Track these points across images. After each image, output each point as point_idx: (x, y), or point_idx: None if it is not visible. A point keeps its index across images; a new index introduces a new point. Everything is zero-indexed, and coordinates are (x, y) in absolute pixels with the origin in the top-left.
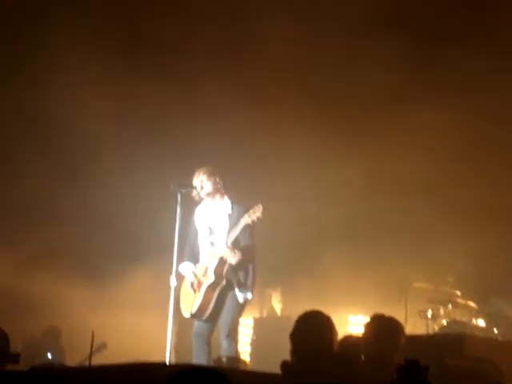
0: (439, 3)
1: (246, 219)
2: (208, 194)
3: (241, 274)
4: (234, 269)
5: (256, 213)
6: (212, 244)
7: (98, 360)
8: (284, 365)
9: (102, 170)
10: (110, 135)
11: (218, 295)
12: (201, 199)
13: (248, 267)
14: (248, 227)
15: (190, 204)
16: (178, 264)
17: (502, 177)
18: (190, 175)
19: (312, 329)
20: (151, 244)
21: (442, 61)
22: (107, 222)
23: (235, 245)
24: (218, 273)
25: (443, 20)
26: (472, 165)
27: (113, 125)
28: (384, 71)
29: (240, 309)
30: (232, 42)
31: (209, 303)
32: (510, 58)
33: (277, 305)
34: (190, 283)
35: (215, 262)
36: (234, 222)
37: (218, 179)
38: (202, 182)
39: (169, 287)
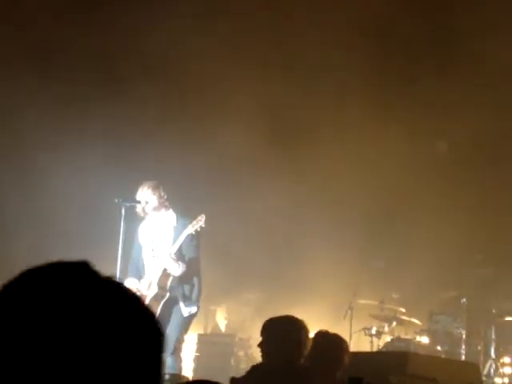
0: None
1: (189, 229)
2: (153, 209)
3: (185, 287)
4: (179, 282)
5: (199, 223)
6: (156, 258)
7: None
8: (232, 381)
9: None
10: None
11: (162, 309)
12: (145, 214)
13: (193, 280)
14: (192, 238)
15: (133, 219)
16: (121, 279)
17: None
18: (134, 190)
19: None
20: (94, 258)
21: None
22: (54, 229)
23: (179, 257)
24: (161, 285)
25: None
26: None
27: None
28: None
29: (185, 324)
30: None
31: None
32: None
33: (221, 321)
34: None
35: (159, 274)
36: (178, 234)
37: (162, 193)
38: (146, 196)
39: None
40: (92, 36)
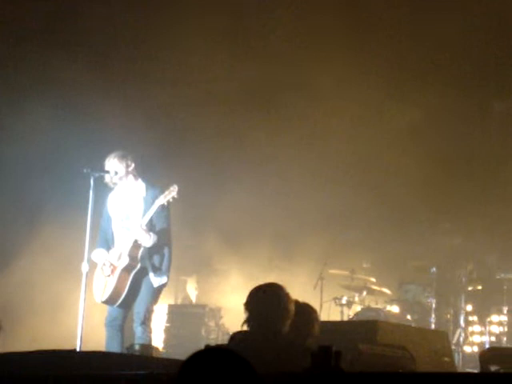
0: None
1: (161, 200)
2: (120, 178)
3: (156, 258)
4: (149, 252)
5: (171, 193)
6: (127, 229)
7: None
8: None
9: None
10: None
11: (133, 279)
12: (114, 184)
13: (163, 251)
14: (163, 209)
15: (102, 189)
16: (90, 250)
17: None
18: (102, 160)
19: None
20: (62, 228)
21: None
22: (20, 202)
23: (150, 227)
24: (132, 256)
25: None
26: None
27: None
28: None
29: (155, 295)
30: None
31: (123, 288)
32: None
33: (192, 292)
34: (103, 269)
35: (129, 246)
36: (148, 205)
37: (129, 162)
38: (113, 165)
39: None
40: None
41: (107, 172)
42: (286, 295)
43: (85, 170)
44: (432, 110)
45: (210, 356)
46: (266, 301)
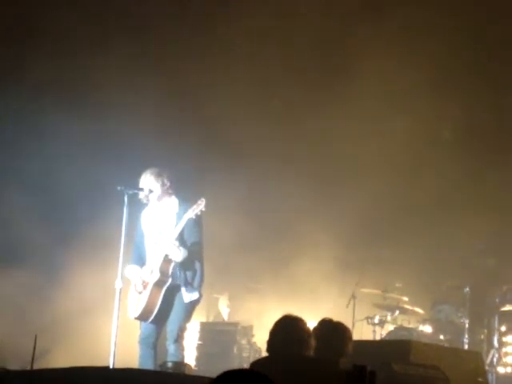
0: None
1: (189, 214)
2: (158, 198)
3: (187, 273)
4: (180, 268)
5: (199, 207)
6: (159, 244)
7: (41, 365)
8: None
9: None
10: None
11: (165, 295)
12: (148, 201)
13: (195, 266)
14: (192, 222)
15: (136, 206)
16: (123, 266)
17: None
18: (136, 177)
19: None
20: (97, 245)
21: None
22: (55, 220)
23: (181, 242)
24: (163, 271)
25: None
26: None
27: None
28: None
29: (187, 312)
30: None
31: (155, 303)
32: None
33: (224, 310)
34: (136, 285)
35: (160, 261)
36: (180, 220)
37: (165, 180)
38: (149, 183)
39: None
40: None
41: (141, 190)
42: (304, 329)
43: (119, 188)
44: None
45: (236, 377)
46: (284, 330)
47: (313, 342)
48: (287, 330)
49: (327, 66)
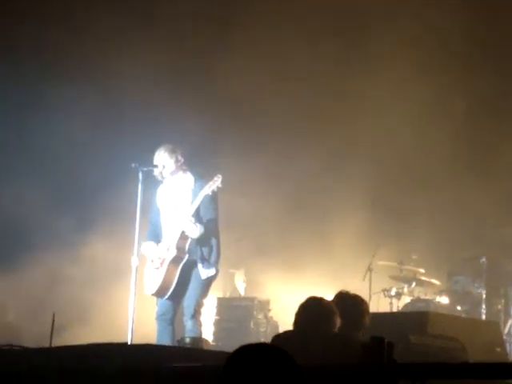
0: None
1: (206, 190)
2: (171, 173)
3: (204, 250)
4: (197, 244)
5: (215, 183)
6: (175, 221)
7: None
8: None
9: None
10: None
11: (181, 271)
12: (163, 178)
13: (211, 242)
14: (209, 199)
15: (151, 183)
16: (139, 244)
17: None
18: (150, 154)
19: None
20: (111, 223)
21: None
22: (69, 198)
23: (197, 218)
24: (179, 247)
25: None
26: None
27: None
28: None
29: (204, 288)
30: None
31: (171, 280)
32: None
33: (240, 285)
34: (152, 261)
35: (177, 237)
36: (196, 196)
37: (179, 156)
38: (163, 160)
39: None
40: None
41: (156, 166)
42: (330, 306)
43: (133, 165)
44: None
45: (254, 351)
46: (311, 309)
47: (338, 321)
48: (312, 309)
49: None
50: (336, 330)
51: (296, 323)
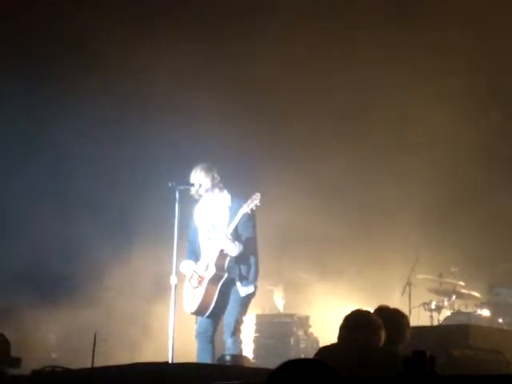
0: None
1: (244, 209)
2: (207, 191)
3: (242, 268)
4: (236, 262)
5: (254, 202)
6: (213, 239)
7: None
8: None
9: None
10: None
11: (220, 290)
12: (200, 196)
13: (250, 260)
14: (247, 217)
15: (188, 201)
16: (178, 262)
17: None
18: (187, 173)
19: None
20: (149, 242)
21: None
22: (109, 217)
23: (236, 237)
24: (218, 266)
25: None
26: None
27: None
28: None
29: (244, 305)
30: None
31: (211, 298)
32: None
33: (279, 301)
34: (191, 280)
35: (216, 256)
36: (234, 214)
37: (215, 175)
38: (199, 178)
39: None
40: None
41: (192, 185)
42: (376, 320)
43: (170, 184)
44: None
45: (298, 366)
46: (357, 322)
47: (383, 334)
48: (358, 321)
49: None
50: (381, 343)
51: (341, 336)
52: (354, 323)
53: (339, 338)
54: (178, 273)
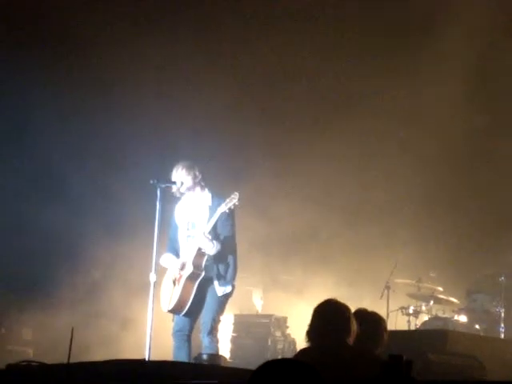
0: None
1: (223, 208)
2: (188, 189)
3: (220, 267)
4: (214, 261)
5: (232, 201)
6: (192, 237)
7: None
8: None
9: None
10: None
11: (198, 288)
12: (181, 194)
13: (228, 259)
14: (226, 216)
15: (169, 199)
16: (157, 260)
17: None
18: (169, 170)
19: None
20: (129, 239)
21: None
22: (91, 213)
23: (214, 236)
24: (196, 264)
25: None
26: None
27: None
28: None
29: (221, 304)
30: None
31: (188, 297)
32: None
33: (258, 302)
34: (170, 278)
35: (193, 254)
36: (213, 213)
37: (197, 173)
38: (181, 176)
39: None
40: None
41: (174, 183)
42: (348, 311)
43: (151, 181)
44: None
45: (279, 366)
46: (328, 314)
47: (354, 327)
48: (328, 315)
49: None
50: (354, 332)
51: (312, 325)
52: (327, 315)
53: (310, 326)
54: (157, 270)
